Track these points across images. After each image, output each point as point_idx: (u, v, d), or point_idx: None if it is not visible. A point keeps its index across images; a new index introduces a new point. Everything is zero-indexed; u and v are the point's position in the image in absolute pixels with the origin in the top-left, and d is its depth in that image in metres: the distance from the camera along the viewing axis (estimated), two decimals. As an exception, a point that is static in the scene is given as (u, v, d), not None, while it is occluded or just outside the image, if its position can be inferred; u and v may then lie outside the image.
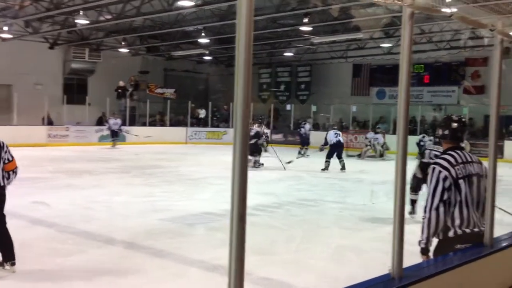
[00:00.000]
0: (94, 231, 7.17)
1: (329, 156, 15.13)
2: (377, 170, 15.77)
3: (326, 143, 15.57)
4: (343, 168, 14.98)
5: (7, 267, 5.14)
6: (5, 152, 5.20)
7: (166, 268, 5.67)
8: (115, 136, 22.54)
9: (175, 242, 6.75)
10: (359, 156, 19.80)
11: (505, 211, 6.61)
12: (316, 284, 5.36)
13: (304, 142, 21.15)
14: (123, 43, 25.09)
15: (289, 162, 14.11)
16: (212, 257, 5.85)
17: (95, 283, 5.15)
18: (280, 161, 14.40)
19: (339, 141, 15.20)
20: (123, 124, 24.39)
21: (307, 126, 21.82)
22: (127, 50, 26.18)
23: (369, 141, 20.65)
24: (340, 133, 15.82)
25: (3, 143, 5.24)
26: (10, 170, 5.24)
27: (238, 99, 1.51)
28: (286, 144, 25.88)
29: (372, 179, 13.34)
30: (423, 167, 7.69)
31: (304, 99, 29.68)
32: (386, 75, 26.04)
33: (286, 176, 13.91)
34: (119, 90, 26.17)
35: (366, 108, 25.56)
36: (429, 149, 8.37)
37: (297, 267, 5.84)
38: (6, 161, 5.19)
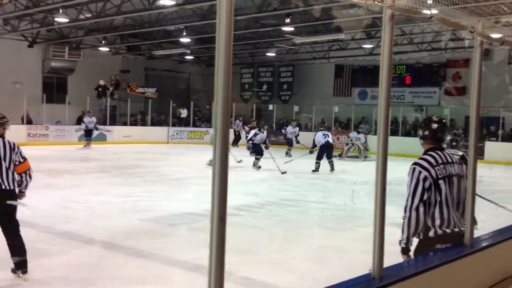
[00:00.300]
0: (75, 231, 7.11)
1: (318, 158, 15.06)
2: (358, 170, 15.87)
3: (314, 145, 15.61)
4: (332, 169, 15.00)
5: (20, 274, 4.97)
6: (16, 153, 5.03)
7: (147, 268, 5.63)
8: (89, 135, 21.78)
9: (156, 242, 6.71)
10: (340, 156, 19.84)
11: (484, 198, 6.71)
12: (298, 284, 5.37)
13: (288, 144, 21.25)
14: (103, 41, 24.86)
15: (283, 173, 14.14)
16: (194, 257, 5.82)
17: (75, 283, 5.10)
18: (278, 167, 14.37)
19: (327, 142, 15.16)
20: (104, 123, 24.18)
21: (289, 128, 21.68)
22: (108, 49, 25.94)
23: (351, 141, 20.74)
24: (329, 133, 15.78)
25: (14, 144, 5.08)
26: (22, 172, 5.06)
27: (219, 99, 1.49)
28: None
29: (354, 179, 13.41)
30: None
31: (286, 99, 29.73)
32: (367, 75, 26.22)
33: (269, 176, 13.92)
34: (100, 89, 25.94)
35: (348, 109, 25.70)
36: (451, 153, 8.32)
37: (279, 267, 5.84)
38: (17, 163, 5.02)
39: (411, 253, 3.52)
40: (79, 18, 19.61)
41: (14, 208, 4.97)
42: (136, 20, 21.55)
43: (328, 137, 15.32)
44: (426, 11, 2.63)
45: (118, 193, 10.33)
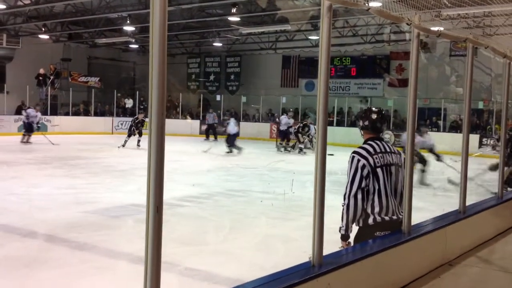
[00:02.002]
0: (13, 224, 6.87)
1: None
2: (305, 160, 16.07)
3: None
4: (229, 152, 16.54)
5: None
6: None
7: (90, 261, 5.51)
8: (30, 130, 19.46)
9: (99, 234, 6.57)
10: (292, 147, 19.68)
11: (452, 167, 6.95)
12: (243, 273, 5.37)
13: (281, 136, 20.51)
14: (43, 29, 23.94)
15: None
16: (138, 248, 5.65)
17: (13, 276, 4.93)
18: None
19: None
20: (45, 113, 23.35)
21: (284, 118, 20.13)
22: (48, 37, 25.05)
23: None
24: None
25: None
26: None
27: (153, 88, 1.46)
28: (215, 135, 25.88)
29: (301, 170, 13.55)
30: None
31: (233, 89, 29.69)
32: (314, 67, 26.39)
33: (215, 167, 13.89)
34: (40, 78, 25.07)
35: (295, 100, 25.96)
36: None
37: (225, 257, 5.85)
38: None
39: (351, 240, 3.60)
40: (17, 5, 18.84)
41: None
42: (77, 7, 20.87)
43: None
44: (365, 3, 2.68)
45: (59, 185, 10.03)
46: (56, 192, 9.32)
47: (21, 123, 21.12)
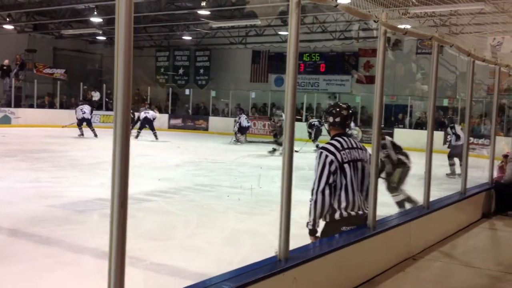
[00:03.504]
0: (-27, 219, 6.67)
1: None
2: (273, 156, 16.11)
3: None
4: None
5: None
6: None
7: (54, 256, 5.41)
8: None
9: (64, 229, 6.46)
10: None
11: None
12: (210, 267, 5.35)
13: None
14: (7, 19, 23.30)
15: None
16: (104, 244, 5.56)
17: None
18: None
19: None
20: (8, 105, 22.80)
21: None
22: (12, 27, 24.41)
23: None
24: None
25: None
26: None
27: (118, 81, 1.44)
28: (184, 129, 25.75)
29: (270, 165, 13.59)
30: None
31: (203, 84, 29.52)
32: (284, 62, 25.93)
33: (184, 161, 13.80)
34: (4, 68, 24.41)
35: (265, 95, 25.99)
36: None
37: (192, 252, 5.83)
38: None
39: (319, 235, 3.64)
40: (-19, -6, 18.31)
41: None
42: (43, -3, 20.43)
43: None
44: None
45: (23, 179, 9.81)
46: (19, 186, 9.12)
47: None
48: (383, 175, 7.34)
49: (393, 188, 7.40)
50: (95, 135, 19.25)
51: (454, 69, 19.92)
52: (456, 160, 12.04)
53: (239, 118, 20.07)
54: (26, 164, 11.85)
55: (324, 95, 25.57)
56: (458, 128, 12.89)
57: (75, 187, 9.37)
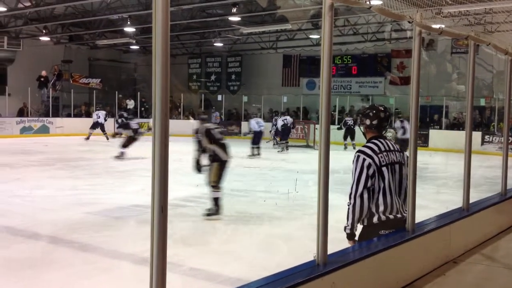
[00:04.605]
0: (16, 226, 6.87)
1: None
2: (307, 159, 16.05)
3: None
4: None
5: None
6: None
7: (93, 262, 5.50)
8: None
9: (102, 235, 6.56)
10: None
11: None
12: (245, 273, 5.36)
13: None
14: (44, 31, 23.94)
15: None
16: (142, 250, 5.70)
17: (17, 278, 4.93)
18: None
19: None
20: (47, 115, 23.59)
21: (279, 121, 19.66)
22: (49, 39, 25.07)
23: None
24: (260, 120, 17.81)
25: None
26: None
27: (156, 91, 1.46)
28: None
29: (303, 169, 13.52)
30: None
31: (235, 89, 29.67)
32: (315, 66, 26.46)
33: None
34: (41, 80, 25.08)
35: (297, 99, 25.93)
36: None
37: (227, 257, 5.84)
38: None
39: (357, 239, 3.60)
40: (18, 7, 18.86)
41: None
42: (77, 9, 20.90)
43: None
44: (366, 2, 2.67)
45: (61, 187, 10.04)
46: (58, 194, 9.33)
47: (23, 125, 21.74)
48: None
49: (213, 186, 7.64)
50: (107, 139, 20.79)
51: (491, 68, 19.47)
52: None
53: (276, 121, 19.43)
54: (64, 172, 12.13)
55: (357, 98, 25.35)
56: None
57: (111, 194, 9.54)
